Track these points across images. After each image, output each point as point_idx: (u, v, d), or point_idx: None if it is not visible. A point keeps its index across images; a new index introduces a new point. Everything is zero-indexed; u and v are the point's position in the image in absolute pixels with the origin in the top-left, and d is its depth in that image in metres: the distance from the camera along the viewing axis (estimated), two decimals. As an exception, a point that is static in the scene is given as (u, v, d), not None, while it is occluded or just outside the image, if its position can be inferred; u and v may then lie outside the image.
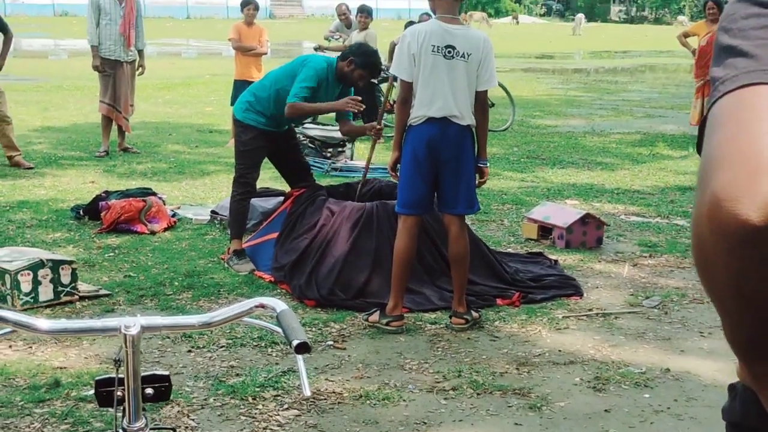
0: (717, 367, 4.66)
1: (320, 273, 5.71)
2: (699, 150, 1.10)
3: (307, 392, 1.77)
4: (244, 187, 6.33)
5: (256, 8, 11.55)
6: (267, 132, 6.26)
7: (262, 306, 1.80)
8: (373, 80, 12.38)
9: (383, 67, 13.29)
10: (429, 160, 5.05)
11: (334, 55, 13.39)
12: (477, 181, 5.26)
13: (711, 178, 0.94)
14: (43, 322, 1.77)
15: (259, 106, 6.22)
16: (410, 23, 12.62)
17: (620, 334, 5.16)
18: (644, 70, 29.06)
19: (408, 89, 5.09)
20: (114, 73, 10.52)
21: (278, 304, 1.80)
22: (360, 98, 6.10)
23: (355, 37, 12.45)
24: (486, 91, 5.16)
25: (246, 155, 6.31)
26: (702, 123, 1.05)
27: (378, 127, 6.06)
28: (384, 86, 13.58)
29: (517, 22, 61.79)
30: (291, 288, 5.73)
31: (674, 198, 8.87)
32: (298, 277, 5.75)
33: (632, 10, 78.47)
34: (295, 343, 1.67)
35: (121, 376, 1.79)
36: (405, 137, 5.13)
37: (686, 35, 13.24)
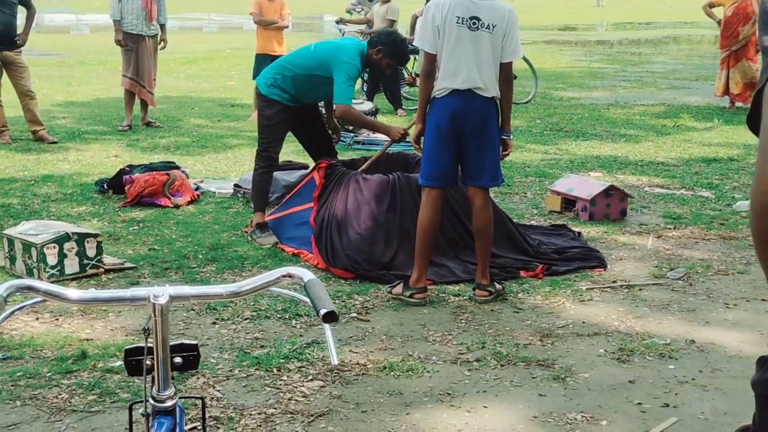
0: (742, 338, 4.65)
1: (345, 245, 5.71)
2: (750, 123, 1.07)
3: (335, 361, 1.78)
4: (267, 161, 6.34)
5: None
6: (290, 107, 6.26)
7: (290, 276, 1.81)
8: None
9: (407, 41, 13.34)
10: (453, 132, 5.03)
11: (356, 28, 13.37)
12: (501, 154, 5.24)
13: None
14: (73, 292, 1.79)
15: (284, 83, 6.23)
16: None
17: (644, 305, 5.15)
18: (668, 41, 28.80)
19: (432, 61, 5.06)
20: (136, 48, 10.54)
21: (305, 273, 1.80)
22: (408, 132, 6.12)
23: (377, 10, 12.41)
24: (511, 63, 5.12)
25: (269, 129, 6.32)
26: (757, 95, 1.03)
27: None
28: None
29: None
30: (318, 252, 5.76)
31: (699, 170, 8.81)
32: (325, 247, 5.78)
33: (656, -20, 77.54)
34: (322, 312, 1.68)
35: (150, 345, 1.81)
36: (429, 110, 5.11)
37: (711, 5, 13.09)
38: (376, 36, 6.32)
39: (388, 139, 6.32)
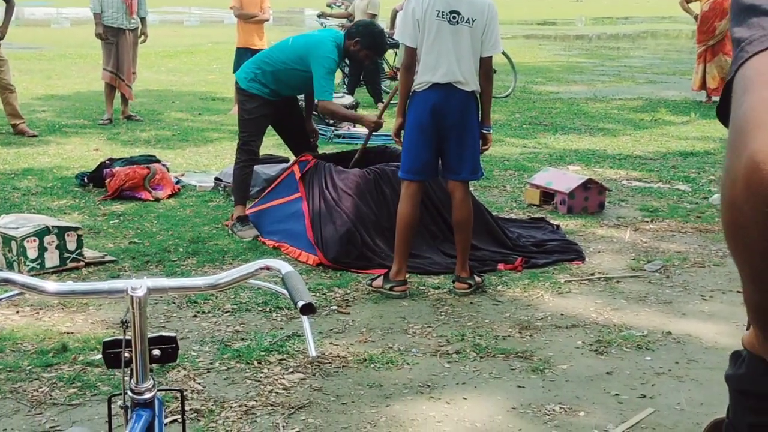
0: (717, 329, 4.67)
1: (325, 238, 5.71)
2: (720, 114, 1.07)
3: (313, 353, 1.77)
4: (248, 155, 6.32)
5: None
6: (271, 101, 6.24)
7: (268, 268, 1.80)
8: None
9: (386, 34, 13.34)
10: (433, 126, 5.03)
11: (337, 22, 13.32)
12: (480, 148, 5.24)
13: (748, 141, 0.92)
14: (50, 285, 1.78)
15: (264, 78, 6.21)
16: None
17: (622, 297, 5.17)
18: (646, 36, 28.92)
19: (412, 55, 5.06)
20: (117, 41, 10.49)
21: (283, 266, 1.80)
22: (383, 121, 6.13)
23: (358, 4, 12.39)
24: (491, 57, 5.13)
25: (250, 123, 6.30)
26: (726, 86, 1.02)
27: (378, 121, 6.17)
28: (387, 53, 13.56)
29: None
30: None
31: (676, 163, 8.85)
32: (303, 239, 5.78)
33: (634, -24, 77.79)
34: (300, 304, 1.68)
35: (128, 337, 1.80)
36: (409, 103, 5.11)
37: (689, 1, 13.15)
38: (353, 27, 6.30)
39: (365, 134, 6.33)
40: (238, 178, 6.35)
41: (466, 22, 4.97)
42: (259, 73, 6.23)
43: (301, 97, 6.78)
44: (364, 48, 6.10)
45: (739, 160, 0.92)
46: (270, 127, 6.50)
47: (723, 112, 1.05)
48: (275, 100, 6.25)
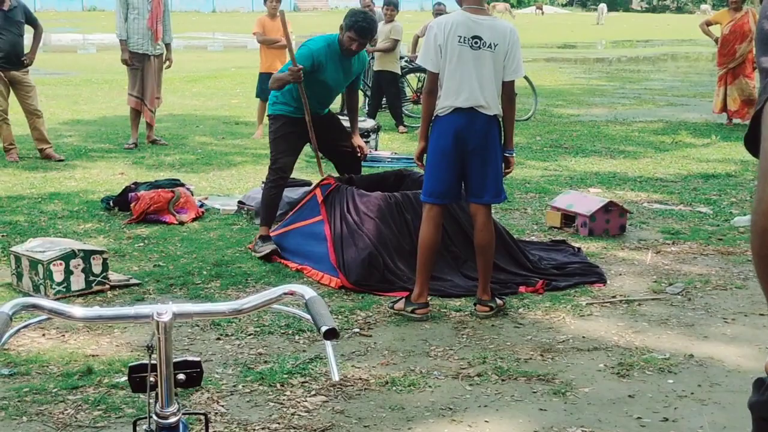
0: (740, 353, 4.64)
1: (347, 261, 5.71)
2: (748, 143, 1.08)
3: (336, 377, 1.77)
4: (276, 173, 6.33)
5: (279, 0, 11.56)
6: (296, 119, 6.27)
7: (292, 293, 1.81)
8: (396, 71, 12.42)
9: (406, 58, 13.37)
10: (456, 150, 5.04)
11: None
12: (503, 171, 5.24)
13: None
14: (77, 310, 1.79)
15: (283, 97, 6.27)
16: (438, 15, 12.59)
17: (644, 320, 5.14)
18: (666, 58, 28.85)
19: (434, 80, 5.07)
20: (142, 67, 10.58)
21: (307, 291, 1.81)
22: (302, 68, 6.07)
23: (381, 29, 12.42)
24: (513, 81, 5.14)
25: (276, 142, 6.35)
26: (755, 117, 1.02)
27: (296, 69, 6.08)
28: (409, 77, 13.60)
29: (542, 13, 61.38)
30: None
31: (697, 185, 8.81)
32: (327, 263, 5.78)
33: (654, -1, 77.81)
34: (323, 329, 1.68)
35: (153, 362, 1.81)
36: (431, 128, 5.12)
37: (709, 24, 13.13)
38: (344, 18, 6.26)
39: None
40: (265, 198, 6.39)
41: (488, 47, 4.98)
42: (278, 94, 6.28)
43: (345, 118, 6.79)
44: (346, 30, 6.09)
45: None
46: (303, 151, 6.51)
47: (752, 142, 1.05)
48: (301, 118, 6.26)
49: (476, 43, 4.98)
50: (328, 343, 1.74)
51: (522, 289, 5.63)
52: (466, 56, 4.97)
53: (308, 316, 1.76)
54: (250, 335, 4.83)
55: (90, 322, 1.89)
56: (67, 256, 5.41)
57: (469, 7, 5.03)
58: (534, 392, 4.15)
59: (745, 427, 1.32)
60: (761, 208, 0.93)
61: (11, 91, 9.73)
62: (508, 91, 5.13)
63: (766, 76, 1.03)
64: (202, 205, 7.63)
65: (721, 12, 13.22)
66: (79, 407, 3.94)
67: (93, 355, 4.52)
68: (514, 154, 5.32)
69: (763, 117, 0.99)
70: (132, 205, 7.30)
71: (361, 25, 6.06)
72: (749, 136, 1.06)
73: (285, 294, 1.81)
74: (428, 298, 5.20)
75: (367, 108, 12.84)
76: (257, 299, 1.82)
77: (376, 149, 10.43)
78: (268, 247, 6.18)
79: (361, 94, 13.72)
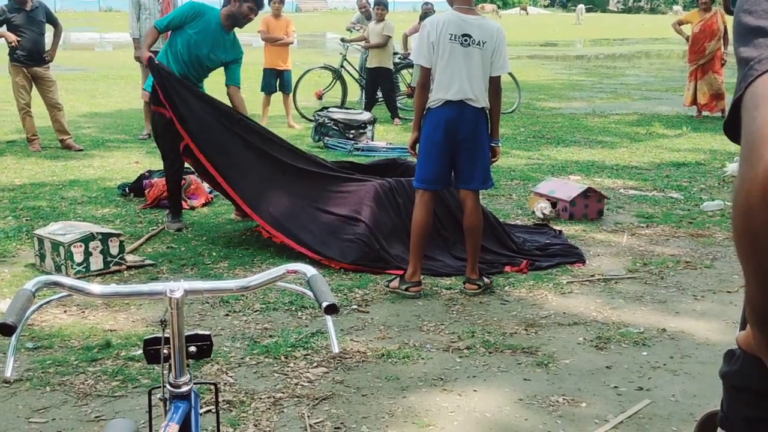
0: (709, 327, 4.64)
1: (346, 242, 5.70)
2: (728, 130, 1.07)
3: (336, 349, 1.77)
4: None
5: (281, 1, 11.54)
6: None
7: (294, 271, 1.81)
8: (390, 67, 12.39)
9: (399, 55, 13.32)
10: (446, 140, 5.02)
11: (358, 45, 13.28)
12: (490, 160, 5.22)
13: (764, 152, 0.92)
14: (96, 287, 1.78)
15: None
16: (425, 15, 12.54)
17: (620, 297, 5.14)
18: (640, 56, 28.81)
19: (427, 75, 5.06)
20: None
21: (309, 269, 1.80)
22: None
23: (373, 27, 12.39)
24: (499, 76, 5.12)
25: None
26: (735, 103, 1.02)
27: None
28: (403, 72, 13.56)
29: (527, 13, 61.24)
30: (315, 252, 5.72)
31: (669, 173, 8.81)
32: (327, 244, 5.74)
33: (629, 0, 77.65)
34: (324, 304, 1.68)
35: (167, 335, 1.80)
36: (424, 119, 5.10)
37: (680, 23, 13.11)
38: None
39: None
40: None
41: (477, 44, 4.97)
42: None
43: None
44: (244, 1, 6.08)
45: (755, 170, 0.92)
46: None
47: (731, 128, 1.04)
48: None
49: (466, 40, 4.96)
50: (328, 317, 1.73)
51: (507, 268, 5.63)
52: (457, 53, 4.96)
53: (310, 293, 1.76)
54: (256, 311, 4.83)
55: (107, 298, 1.89)
56: (87, 239, 5.40)
57: (460, 7, 5.01)
58: (519, 364, 4.15)
59: (714, 395, 1.33)
60: (744, 188, 0.93)
61: (34, 85, 9.69)
62: (495, 86, 5.11)
63: (743, 66, 1.02)
64: (211, 192, 7.61)
65: (692, 12, 13.19)
66: (99, 378, 3.93)
67: (111, 330, 4.51)
68: (500, 144, 5.30)
69: (744, 103, 0.99)
70: (146, 191, 7.28)
71: None
72: (728, 122, 1.06)
73: (288, 272, 1.81)
74: (421, 277, 5.20)
75: (363, 102, 12.81)
76: (263, 277, 1.81)
77: (372, 140, 10.42)
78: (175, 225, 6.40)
79: (357, 87, 13.71)
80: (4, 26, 9.48)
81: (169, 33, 6.47)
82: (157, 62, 6.05)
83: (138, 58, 10.54)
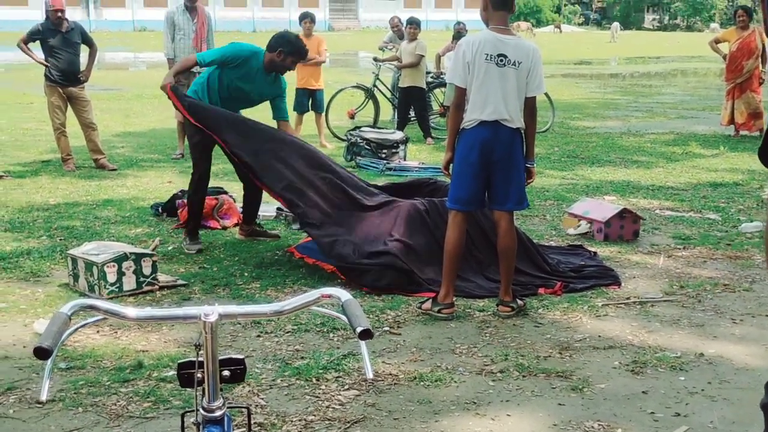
0: (748, 351, 4.58)
1: (377, 265, 5.69)
2: (763, 155, 1.06)
3: (370, 375, 1.78)
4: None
5: (313, 21, 11.62)
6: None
7: (329, 296, 1.81)
8: (422, 86, 12.42)
9: (432, 74, 13.35)
10: (481, 160, 5.02)
11: (390, 64, 13.34)
12: (525, 181, 5.21)
13: None
14: (131, 310, 1.80)
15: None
16: (458, 35, 12.56)
17: (656, 320, 5.09)
18: (676, 74, 28.63)
19: (462, 95, 5.07)
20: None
21: (343, 293, 1.81)
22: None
23: (405, 47, 12.43)
24: (535, 97, 5.12)
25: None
26: None
27: None
28: (436, 92, 13.58)
29: (560, 31, 61.14)
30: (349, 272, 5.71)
31: (706, 194, 8.73)
32: (359, 267, 5.74)
33: (665, 18, 77.26)
34: (359, 329, 1.68)
35: (200, 359, 1.81)
36: (458, 139, 5.11)
37: (717, 41, 13.03)
38: (272, 40, 6.41)
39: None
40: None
41: (512, 64, 4.97)
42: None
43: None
44: (288, 55, 6.27)
45: None
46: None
47: (765, 153, 1.04)
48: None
49: (501, 60, 4.97)
50: (362, 342, 1.74)
51: (541, 290, 5.60)
52: (492, 73, 4.96)
53: (344, 317, 1.77)
54: (287, 333, 4.84)
55: (142, 322, 1.90)
56: (120, 259, 5.45)
57: (496, 27, 5.02)
58: (553, 388, 4.13)
59: (753, 422, 1.31)
60: None
61: (69, 105, 9.84)
62: (530, 106, 5.11)
63: None
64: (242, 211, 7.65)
65: (729, 30, 13.11)
66: (131, 399, 3.96)
67: (143, 351, 4.55)
68: (535, 165, 5.30)
69: None
70: (179, 211, 7.34)
71: (304, 50, 6.49)
72: (764, 147, 1.05)
73: (323, 296, 1.82)
74: (453, 299, 5.19)
75: (395, 121, 12.84)
76: (297, 301, 1.82)
77: (405, 159, 10.44)
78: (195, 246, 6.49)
79: (389, 106, 13.76)
80: (39, 46, 9.66)
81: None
82: (180, 93, 6.26)
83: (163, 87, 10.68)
